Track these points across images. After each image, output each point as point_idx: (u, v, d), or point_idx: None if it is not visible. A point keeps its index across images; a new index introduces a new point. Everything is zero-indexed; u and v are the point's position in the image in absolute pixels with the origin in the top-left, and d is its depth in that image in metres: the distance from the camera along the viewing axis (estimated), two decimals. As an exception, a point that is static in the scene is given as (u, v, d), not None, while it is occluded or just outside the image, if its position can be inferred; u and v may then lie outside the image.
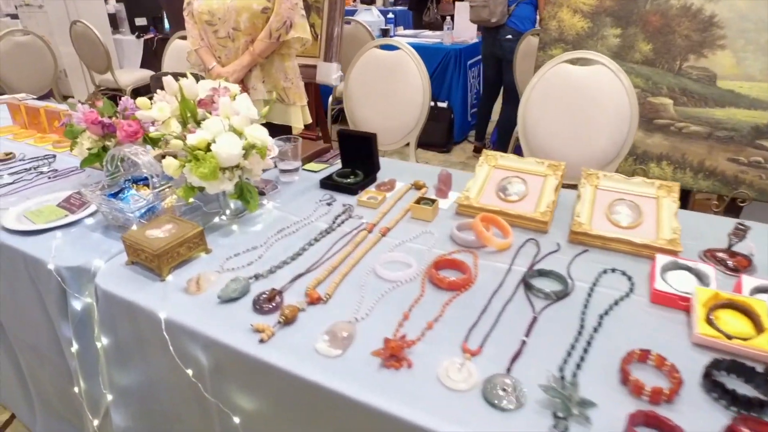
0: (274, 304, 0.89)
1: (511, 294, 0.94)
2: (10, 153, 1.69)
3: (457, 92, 3.99)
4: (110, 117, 1.36)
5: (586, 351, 0.80)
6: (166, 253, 0.98)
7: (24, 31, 3.44)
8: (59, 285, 1.06)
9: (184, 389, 0.93)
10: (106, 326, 1.02)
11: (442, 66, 3.95)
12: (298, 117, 2.06)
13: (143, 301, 0.93)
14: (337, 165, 1.54)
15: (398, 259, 1.04)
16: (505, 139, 3.57)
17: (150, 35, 4.60)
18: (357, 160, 1.41)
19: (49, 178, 1.52)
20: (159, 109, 1.24)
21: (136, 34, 4.61)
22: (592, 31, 2.15)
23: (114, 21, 4.73)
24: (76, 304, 1.07)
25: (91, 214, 1.26)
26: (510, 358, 0.79)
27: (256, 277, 0.98)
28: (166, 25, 4.58)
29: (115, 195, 1.19)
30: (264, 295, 0.91)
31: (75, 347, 1.11)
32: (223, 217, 1.21)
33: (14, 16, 4.78)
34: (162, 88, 2.43)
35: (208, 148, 1.10)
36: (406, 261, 1.03)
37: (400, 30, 4.66)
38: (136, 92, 4.28)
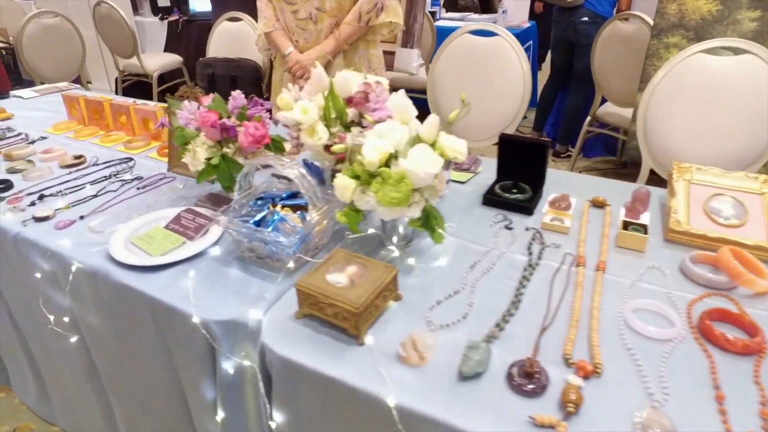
0: (536, 383, 0.66)
1: (825, 362, 0.73)
2: (81, 156, 1.43)
3: (510, 80, 3.72)
4: (229, 117, 1.11)
5: None
6: (366, 309, 0.74)
7: (52, 12, 3.12)
8: (206, 342, 0.83)
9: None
10: (280, 400, 0.79)
11: (496, 52, 3.66)
12: None
13: (352, 377, 0.69)
14: (482, 174, 1.30)
15: (646, 307, 0.81)
16: (569, 132, 3.32)
17: (174, 17, 4.28)
18: (517, 169, 1.17)
19: (138, 189, 1.27)
20: (303, 110, 1.00)
21: (159, 15, 4.28)
22: (722, 15, 1.90)
23: (134, 2, 4.39)
24: (227, 366, 0.84)
25: (216, 242, 1.02)
26: None
27: (489, 338, 0.74)
28: (191, 5, 4.25)
29: (258, 222, 0.94)
30: (520, 366, 0.68)
31: (221, 416, 0.88)
32: (391, 248, 0.97)
33: (27, -4, 4.43)
34: (211, 75, 2.12)
35: (386, 164, 0.86)
36: (659, 310, 0.80)
37: (444, 12, 4.37)
38: (162, 78, 3.98)
